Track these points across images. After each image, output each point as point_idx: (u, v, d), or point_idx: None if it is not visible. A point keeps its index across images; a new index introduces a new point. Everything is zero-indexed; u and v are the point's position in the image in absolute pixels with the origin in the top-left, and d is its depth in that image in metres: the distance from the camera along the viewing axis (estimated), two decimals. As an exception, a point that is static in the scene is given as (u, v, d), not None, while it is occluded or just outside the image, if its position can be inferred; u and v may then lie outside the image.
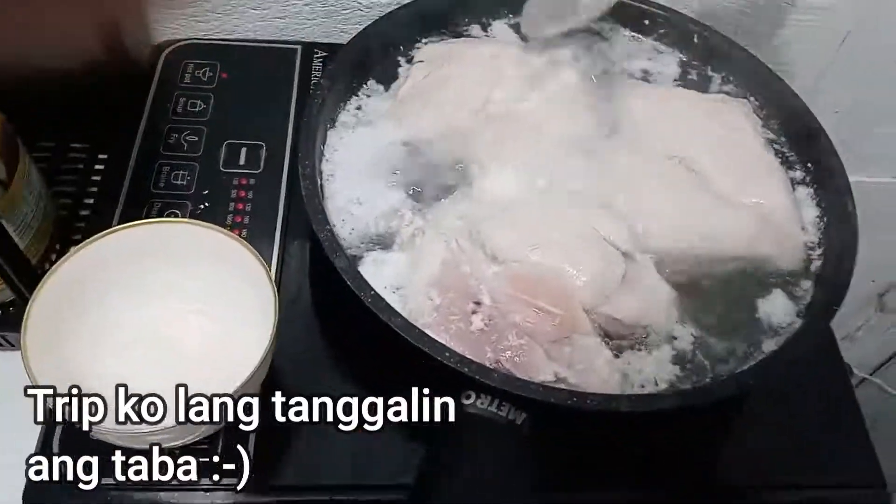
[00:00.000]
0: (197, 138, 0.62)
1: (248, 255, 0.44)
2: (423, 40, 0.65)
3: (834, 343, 0.59)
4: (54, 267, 0.44)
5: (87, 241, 0.45)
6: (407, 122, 0.59)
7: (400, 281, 0.51)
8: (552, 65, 0.63)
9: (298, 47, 0.70)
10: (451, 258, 0.51)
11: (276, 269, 0.54)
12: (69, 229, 0.63)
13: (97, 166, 0.68)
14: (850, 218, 0.54)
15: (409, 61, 0.64)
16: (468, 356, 0.44)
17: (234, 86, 0.66)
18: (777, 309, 0.53)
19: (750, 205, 0.57)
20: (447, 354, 0.43)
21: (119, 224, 0.52)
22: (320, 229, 0.48)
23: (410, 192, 0.55)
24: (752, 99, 0.64)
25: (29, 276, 0.50)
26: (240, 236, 0.55)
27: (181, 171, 0.59)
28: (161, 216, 0.57)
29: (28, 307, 0.43)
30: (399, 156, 0.58)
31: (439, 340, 0.45)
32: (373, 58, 0.62)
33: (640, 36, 0.67)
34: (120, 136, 0.64)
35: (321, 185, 0.53)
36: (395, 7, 0.63)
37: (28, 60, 0.67)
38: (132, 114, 0.65)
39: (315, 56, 0.69)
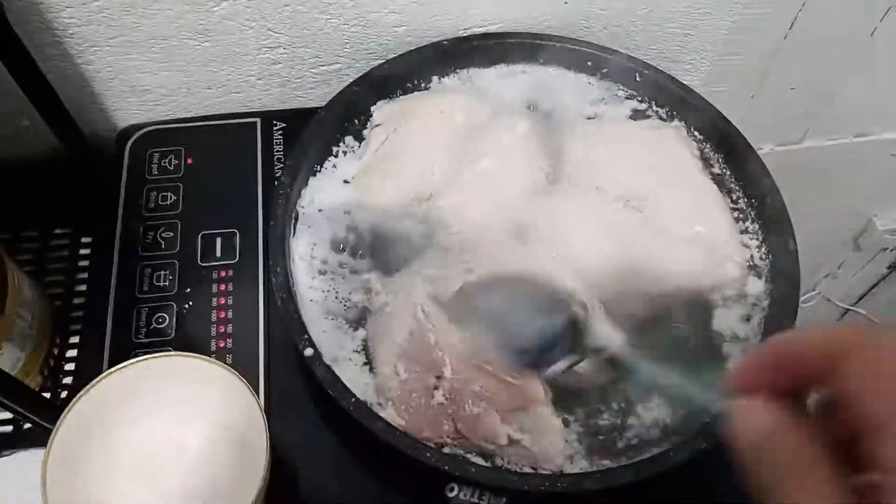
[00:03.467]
0: (172, 234, 0.64)
1: (244, 389, 0.49)
2: (378, 102, 0.67)
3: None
4: (70, 405, 0.48)
5: (99, 377, 0.49)
6: (371, 194, 0.62)
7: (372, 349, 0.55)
8: (502, 113, 0.66)
9: (258, 120, 0.71)
10: (417, 328, 0.54)
11: (264, 366, 0.58)
12: (66, 319, 0.67)
13: (82, 250, 0.71)
14: (793, 259, 0.57)
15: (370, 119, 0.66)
16: (426, 433, 0.50)
17: (201, 171, 0.68)
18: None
19: (693, 235, 0.60)
20: (428, 455, 0.47)
21: (111, 338, 0.59)
22: (298, 340, 0.51)
23: (378, 263, 0.59)
24: (692, 130, 0.66)
25: (31, 402, 0.54)
26: (225, 334, 0.59)
27: (162, 272, 0.62)
28: (149, 322, 0.60)
29: (49, 442, 0.47)
30: (366, 228, 0.61)
31: (398, 422, 0.50)
32: (337, 125, 0.65)
33: (584, 76, 0.69)
34: (98, 217, 0.67)
35: (291, 271, 0.57)
36: (346, 81, 0.65)
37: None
38: (104, 192, 0.67)
39: (275, 128, 0.71)
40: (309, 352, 0.51)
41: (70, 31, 0.62)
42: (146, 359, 0.50)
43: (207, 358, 0.50)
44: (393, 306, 0.56)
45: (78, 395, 0.49)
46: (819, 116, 1.07)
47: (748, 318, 0.58)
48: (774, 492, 0.24)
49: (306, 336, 0.52)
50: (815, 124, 1.09)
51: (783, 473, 0.25)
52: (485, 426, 0.50)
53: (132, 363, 0.50)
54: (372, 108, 0.66)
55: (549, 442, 0.50)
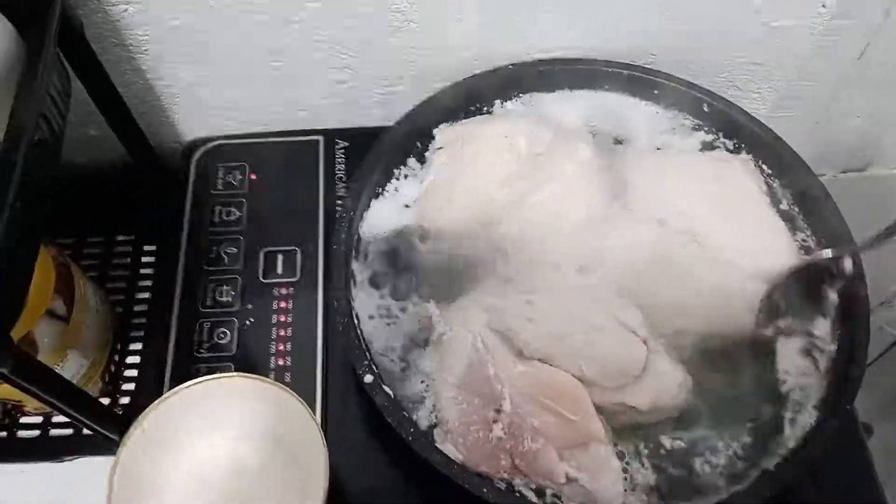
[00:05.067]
0: (236, 249, 0.65)
1: (304, 412, 0.49)
2: (441, 125, 0.67)
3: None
4: (136, 422, 0.49)
5: (164, 396, 0.50)
6: (431, 219, 0.62)
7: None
8: (565, 139, 0.65)
9: (321, 138, 0.72)
10: (476, 360, 0.54)
11: (322, 386, 0.59)
12: (127, 326, 0.68)
13: (144, 258, 0.73)
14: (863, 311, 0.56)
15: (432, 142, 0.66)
16: (483, 467, 0.49)
17: (264, 187, 0.69)
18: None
19: (759, 273, 0.59)
20: (485, 490, 0.47)
21: (174, 352, 0.60)
22: (359, 367, 0.52)
23: (437, 289, 0.59)
24: (763, 165, 0.65)
25: (95, 412, 0.55)
26: (284, 352, 0.60)
27: (225, 287, 0.63)
28: (211, 337, 0.61)
29: (116, 458, 0.48)
30: (426, 252, 0.61)
31: (457, 455, 0.50)
32: (401, 148, 0.65)
33: (651, 104, 0.68)
34: (162, 227, 0.69)
35: (352, 296, 0.57)
36: (410, 103, 0.65)
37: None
38: (169, 203, 0.69)
39: (336, 146, 0.71)
40: (369, 378, 0.51)
41: (144, 48, 0.63)
42: (209, 379, 0.51)
43: (268, 380, 0.50)
44: (451, 336, 0.56)
45: (143, 413, 0.50)
46: (883, 145, 1.04)
47: (813, 360, 0.57)
48: None
49: (366, 362, 0.52)
50: (878, 153, 1.06)
51: None
52: (542, 462, 0.50)
53: (196, 382, 0.51)
54: (435, 131, 0.66)
55: (607, 482, 0.50)
